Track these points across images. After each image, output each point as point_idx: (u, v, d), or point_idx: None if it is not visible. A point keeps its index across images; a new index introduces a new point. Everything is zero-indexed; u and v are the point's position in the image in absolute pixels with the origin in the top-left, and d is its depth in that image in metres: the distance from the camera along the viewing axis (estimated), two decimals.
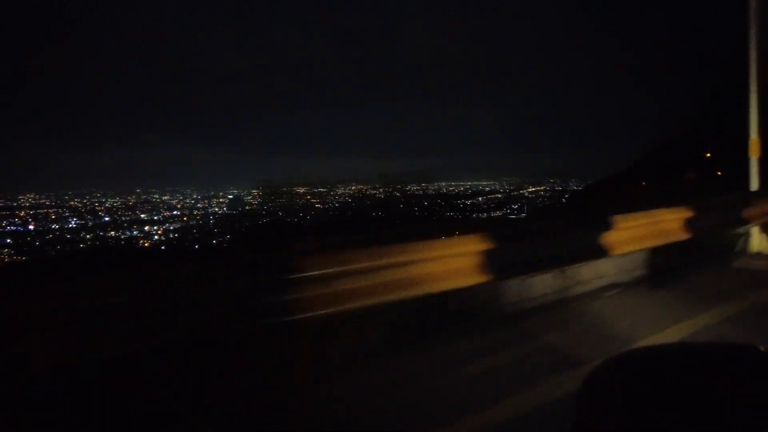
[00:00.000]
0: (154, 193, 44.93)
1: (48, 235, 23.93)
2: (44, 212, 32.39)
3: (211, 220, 28.32)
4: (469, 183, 46.47)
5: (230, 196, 37.87)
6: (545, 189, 35.77)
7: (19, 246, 20.69)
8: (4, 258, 18.38)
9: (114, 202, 38.44)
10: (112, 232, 24.97)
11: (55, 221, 29.98)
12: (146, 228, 25.93)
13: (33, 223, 28.28)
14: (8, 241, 22.14)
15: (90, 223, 28.70)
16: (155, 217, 30.45)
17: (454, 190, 42.37)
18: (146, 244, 21.05)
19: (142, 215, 31.44)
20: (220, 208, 34.07)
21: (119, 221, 29.08)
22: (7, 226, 27.66)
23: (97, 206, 35.31)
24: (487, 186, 43.83)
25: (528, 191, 36.65)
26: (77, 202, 37.93)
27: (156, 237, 22.96)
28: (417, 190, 45.37)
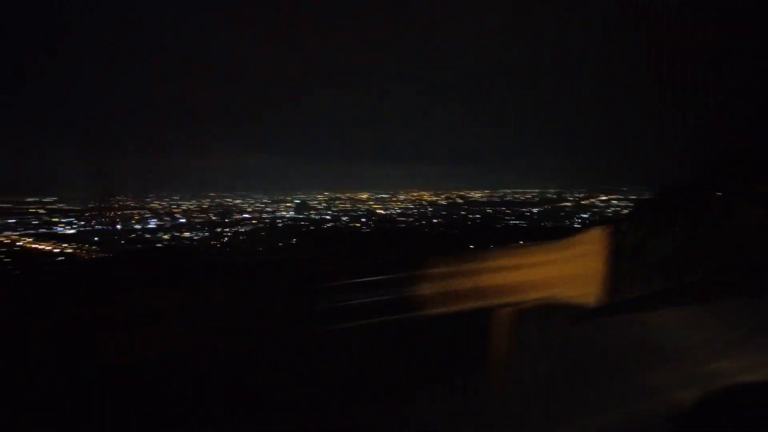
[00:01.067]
0: (227, 198, 47.21)
1: (131, 235, 25.72)
2: (129, 213, 34.97)
3: (279, 223, 29.25)
4: (537, 190, 44.99)
5: (297, 201, 39.00)
6: (618, 197, 33.90)
7: (105, 243, 22.34)
8: (92, 255, 19.91)
9: (190, 205, 40.77)
10: (186, 233, 26.38)
11: (137, 222, 32.29)
12: (218, 230, 27.17)
13: (119, 223, 30.60)
14: (96, 239, 24.00)
15: (168, 224, 30.60)
16: (226, 220, 31.91)
17: (520, 198, 41.17)
18: (217, 244, 22.04)
19: (215, 218, 33.07)
20: (287, 211, 35.20)
21: (194, 223, 30.76)
22: (97, 225, 30.15)
23: (174, 209, 37.60)
24: (555, 194, 42.23)
25: (599, 199, 34.89)
26: (158, 204, 40.57)
27: (227, 238, 24.00)
28: (481, 197, 44.54)
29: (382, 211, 34.25)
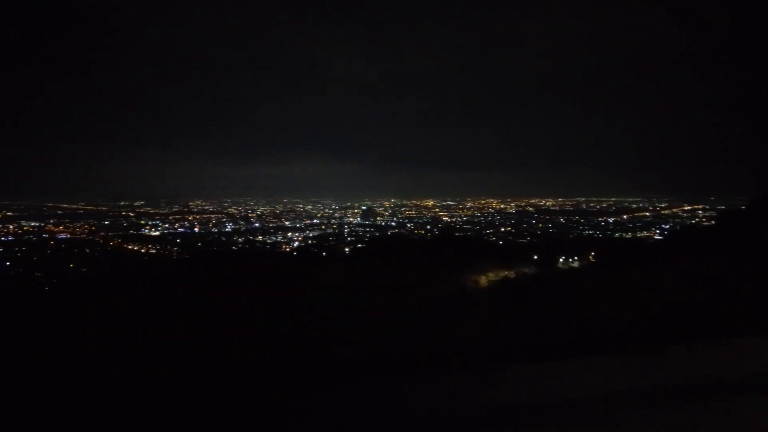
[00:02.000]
0: (299, 203, 48.87)
1: (208, 238, 27.18)
2: (208, 217, 37.06)
3: (346, 228, 29.78)
4: (614, 199, 42.78)
5: (363, 208, 39.62)
6: (704, 207, 31.41)
7: (185, 246, 23.75)
8: (173, 255, 21.24)
9: (264, 210, 42.56)
10: (260, 237, 27.44)
11: (215, 225, 34.11)
12: (289, 234, 28.07)
13: (198, 226, 32.48)
14: (178, 241, 25.59)
15: (243, 228, 32.08)
16: (297, 225, 32.98)
17: (595, 207, 39.30)
18: (287, 249, 22.76)
19: (287, 222, 34.29)
20: (354, 218, 35.82)
21: (267, 227, 32.04)
22: (179, 228, 32.18)
23: (249, 213, 39.40)
24: (633, 203, 39.93)
25: (682, 209, 32.51)
26: (234, 209, 42.72)
27: (296, 243, 24.74)
28: (553, 205, 42.95)
29: (447, 219, 33.98)
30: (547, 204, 42.57)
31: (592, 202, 42.29)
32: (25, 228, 26.33)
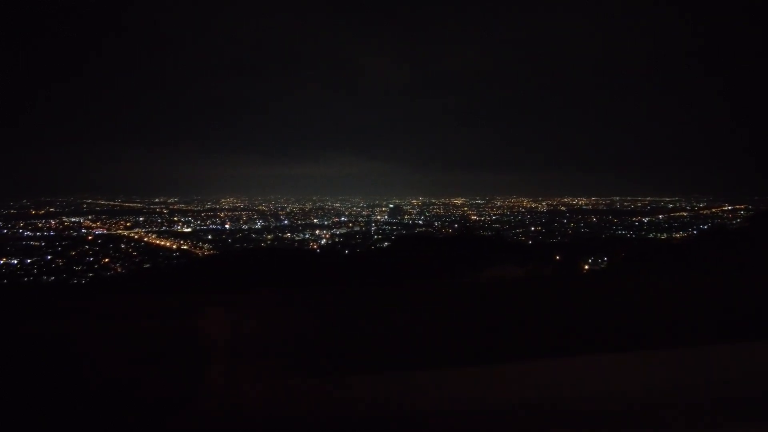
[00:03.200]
0: (327, 201, 49.26)
1: (238, 234, 27.70)
2: (238, 214, 37.78)
3: (373, 227, 29.83)
4: (649, 198, 41.47)
5: (391, 206, 39.61)
6: (747, 207, 30.08)
7: (215, 242, 24.26)
8: (204, 251, 21.71)
9: (294, 208, 43.09)
10: (288, 234, 27.75)
11: (246, 222, 34.74)
12: (317, 232, 28.30)
13: (229, 223, 33.16)
14: (209, 237, 26.17)
15: (272, 225, 32.58)
16: (325, 222, 33.26)
17: (629, 206, 38.20)
18: (314, 246, 22.98)
19: (315, 220, 34.61)
20: (381, 216, 35.87)
21: (295, 224, 32.43)
22: (210, 224, 32.93)
23: (279, 211, 39.95)
24: (670, 203, 38.62)
25: (722, 209, 31.21)
26: (264, 206, 43.38)
27: (323, 241, 24.92)
28: (585, 204, 41.97)
29: (475, 217, 33.60)
30: (580, 203, 41.65)
31: (627, 201, 41.15)
32: (66, 223, 27.38)
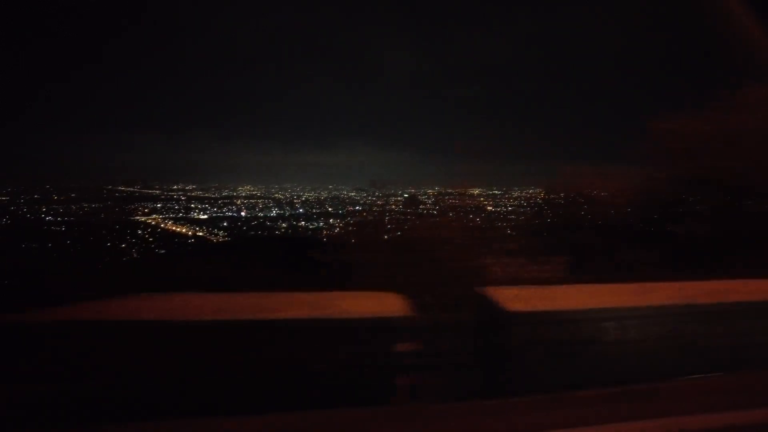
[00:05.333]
0: (343, 190, 49.09)
1: (253, 222, 27.96)
2: (254, 202, 38.04)
3: (387, 216, 29.76)
4: None
5: (406, 195, 39.40)
6: None
7: (230, 229, 24.57)
8: (219, 238, 22.02)
9: (309, 196, 43.13)
10: (303, 222, 27.93)
11: (261, 210, 34.99)
12: (330, 221, 28.43)
13: (245, 210, 33.44)
14: (224, 224, 26.51)
15: (287, 213, 32.76)
16: (339, 211, 33.28)
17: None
18: (327, 234, 23.05)
19: (330, 209, 34.63)
20: (396, 206, 35.65)
21: (310, 213, 32.55)
22: (226, 212, 33.29)
23: (294, 199, 40.05)
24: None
25: None
26: (280, 194, 43.55)
27: (337, 229, 25.00)
28: (605, 194, 41.01)
29: (491, 208, 33.18)
30: (602, 194, 40.86)
31: None
32: (86, 209, 27.95)
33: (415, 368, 4.35)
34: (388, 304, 4.76)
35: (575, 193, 11.22)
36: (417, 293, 5.37)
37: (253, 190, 45.38)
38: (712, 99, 9.13)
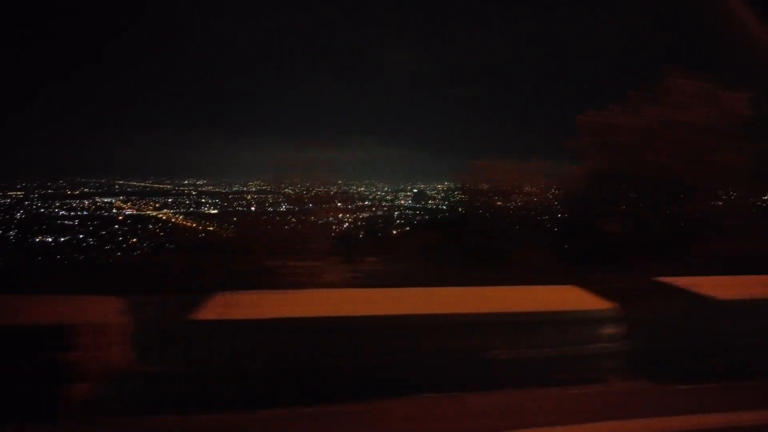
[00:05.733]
0: (352, 186, 49.11)
1: (263, 217, 28.04)
2: (264, 197, 38.15)
3: (396, 211, 29.81)
4: None
5: (415, 191, 39.35)
6: None
7: (239, 224, 24.66)
8: (228, 233, 22.12)
9: (318, 191, 43.23)
10: (312, 217, 27.96)
11: (271, 205, 35.07)
12: (339, 215, 28.44)
13: (254, 205, 33.55)
14: (234, 219, 26.61)
15: (296, 208, 32.80)
16: (348, 206, 33.30)
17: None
18: (336, 229, 23.08)
19: (339, 204, 34.67)
20: (405, 200, 35.70)
21: (319, 208, 32.56)
22: (236, 206, 33.41)
23: (304, 194, 40.19)
24: None
25: None
26: (290, 190, 43.72)
27: (345, 224, 25.06)
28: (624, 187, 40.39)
29: (500, 203, 32.99)
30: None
31: None
32: (98, 204, 28.27)
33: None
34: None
35: (483, 187, 10.81)
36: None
37: (264, 185, 45.55)
38: (640, 91, 8.83)
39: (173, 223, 24.11)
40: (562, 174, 10.02)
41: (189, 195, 35.03)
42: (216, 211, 28.95)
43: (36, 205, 27.04)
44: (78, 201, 28.33)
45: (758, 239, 7.50)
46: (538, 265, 7.38)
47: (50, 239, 20.73)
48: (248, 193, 39.36)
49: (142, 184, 38.42)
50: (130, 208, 27.53)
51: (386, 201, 35.47)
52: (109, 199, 29.70)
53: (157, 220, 24.67)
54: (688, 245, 7.61)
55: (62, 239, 20.43)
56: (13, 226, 22.47)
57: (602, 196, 9.01)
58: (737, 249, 7.34)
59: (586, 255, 7.98)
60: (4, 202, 27.04)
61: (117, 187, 35.22)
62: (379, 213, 29.15)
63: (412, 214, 28.65)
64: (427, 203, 36.03)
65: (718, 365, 4.86)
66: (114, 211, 26.55)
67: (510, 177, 9.50)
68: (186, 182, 44.03)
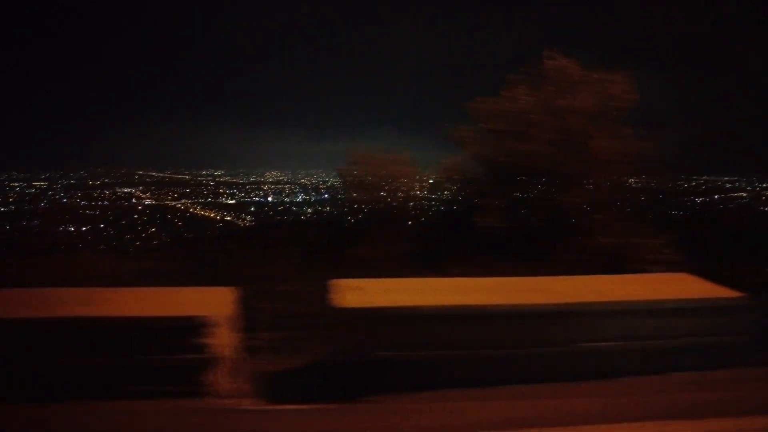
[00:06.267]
0: (369, 176, 48.95)
1: (279, 207, 28.30)
2: (281, 187, 38.43)
3: (411, 202, 29.71)
4: (705, 177, 38.94)
5: (431, 181, 39.15)
6: None
7: (257, 214, 24.93)
8: (246, 223, 22.39)
9: (335, 182, 43.27)
10: (328, 207, 28.11)
11: (288, 195, 35.34)
12: (355, 206, 28.50)
13: (271, 195, 33.86)
14: (252, 209, 26.93)
15: (312, 199, 33.01)
16: (365, 197, 33.32)
17: (682, 185, 36.01)
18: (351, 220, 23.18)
19: (355, 194, 34.71)
20: (422, 191, 35.54)
21: (335, 198, 32.72)
22: (254, 197, 33.77)
23: (320, 185, 40.33)
24: (728, 182, 36.18)
25: None
26: (306, 180, 43.89)
27: (361, 215, 25.11)
28: (635, 182, 39.66)
29: (518, 195, 32.59)
30: (629, 181, 39.65)
31: (680, 180, 38.92)
32: (118, 194, 28.77)
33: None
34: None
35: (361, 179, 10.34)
36: None
37: (280, 176, 45.81)
38: (520, 75, 8.07)
39: (192, 213, 24.45)
40: (443, 165, 9.55)
41: (207, 185, 35.48)
42: (233, 202, 29.40)
43: (59, 195, 27.60)
44: (99, 191, 28.84)
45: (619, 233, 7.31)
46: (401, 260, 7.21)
47: (72, 228, 21.18)
48: (265, 183, 39.67)
49: (161, 174, 38.91)
50: (149, 198, 27.97)
51: (402, 192, 35.29)
52: (129, 190, 30.19)
53: (176, 210, 25.03)
54: (561, 239, 7.32)
55: (84, 228, 20.84)
56: (37, 216, 23.03)
57: (479, 188, 8.68)
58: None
59: (459, 249, 7.67)
60: (30, 192, 27.67)
61: (136, 177, 35.74)
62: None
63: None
64: (443, 193, 35.72)
65: None
66: (133, 201, 26.99)
67: (386, 167, 9.04)
68: (204, 173, 44.58)
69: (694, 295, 4.95)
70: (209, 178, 39.36)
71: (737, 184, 35.36)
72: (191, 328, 4.23)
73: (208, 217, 23.43)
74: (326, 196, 35.33)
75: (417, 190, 10.44)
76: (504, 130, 8.11)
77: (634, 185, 9.30)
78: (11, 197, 26.36)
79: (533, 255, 7.02)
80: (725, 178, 38.22)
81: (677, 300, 4.83)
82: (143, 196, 28.20)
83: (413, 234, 8.72)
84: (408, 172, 9.75)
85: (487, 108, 8.12)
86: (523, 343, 4.57)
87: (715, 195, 30.10)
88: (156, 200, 27.50)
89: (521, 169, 8.21)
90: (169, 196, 28.69)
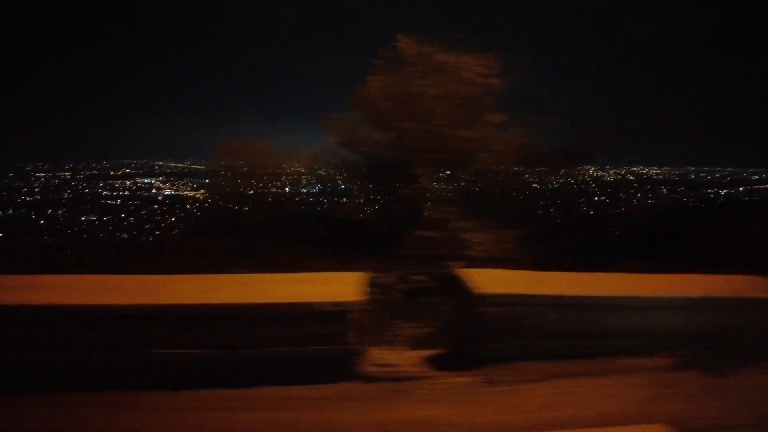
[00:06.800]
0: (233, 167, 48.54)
1: (296, 198, 28.45)
2: (298, 178, 38.60)
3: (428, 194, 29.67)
4: (729, 169, 38.07)
5: (448, 172, 38.90)
6: None
7: (274, 204, 25.11)
8: (264, 213, 22.57)
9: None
10: (344, 198, 28.20)
11: (305, 186, 35.51)
12: (371, 196, 28.54)
13: (289, 186, 34.01)
14: (269, 199, 27.12)
15: (329, 189, 33.13)
16: (381, 188, 33.35)
17: (706, 177, 35.25)
18: (367, 210, 23.24)
19: (371, 185, 34.75)
20: (438, 183, 35.35)
21: (351, 189, 32.81)
22: (271, 187, 33.96)
23: (337, 176, 40.44)
24: (755, 174, 35.38)
25: None
26: (323, 171, 44.06)
27: (377, 207, 25.15)
28: (657, 173, 38.94)
29: (536, 186, 32.08)
30: (651, 173, 38.94)
31: (703, 171, 38.09)
32: (139, 184, 29.28)
33: None
34: None
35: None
36: None
37: (298, 167, 45.97)
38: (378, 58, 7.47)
39: (210, 203, 24.74)
40: (306, 153, 9.27)
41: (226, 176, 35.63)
42: (252, 192, 29.40)
43: (82, 185, 28.21)
44: (120, 181, 29.39)
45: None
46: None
47: (94, 218, 21.68)
48: (282, 174, 39.86)
49: (180, 165, 39.35)
50: (168, 189, 28.38)
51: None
52: (149, 180, 30.67)
53: (195, 200, 25.35)
54: (401, 233, 6.99)
55: (105, 218, 21.32)
56: (62, 205, 23.62)
57: (343, 179, 8.46)
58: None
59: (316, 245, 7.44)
60: (54, 182, 28.34)
61: (156, 168, 36.27)
62: None
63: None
64: (460, 185, 35.40)
65: None
66: (154, 191, 27.43)
67: (257, 159, 8.78)
68: (222, 163, 44.88)
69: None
70: (228, 170, 39.57)
71: (764, 176, 34.53)
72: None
73: (225, 206, 23.67)
74: (342, 186, 35.48)
75: (282, 180, 10.11)
76: (363, 118, 7.92)
77: (517, 177, 8.76)
78: (36, 187, 27.07)
79: (376, 249, 6.85)
80: (751, 170, 37.34)
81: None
82: (163, 186, 28.60)
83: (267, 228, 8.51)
84: (272, 162, 9.54)
85: (354, 95, 7.76)
86: None
87: (740, 187, 29.52)
88: (175, 191, 27.89)
89: (377, 158, 8.09)
90: (189, 186, 29.05)
